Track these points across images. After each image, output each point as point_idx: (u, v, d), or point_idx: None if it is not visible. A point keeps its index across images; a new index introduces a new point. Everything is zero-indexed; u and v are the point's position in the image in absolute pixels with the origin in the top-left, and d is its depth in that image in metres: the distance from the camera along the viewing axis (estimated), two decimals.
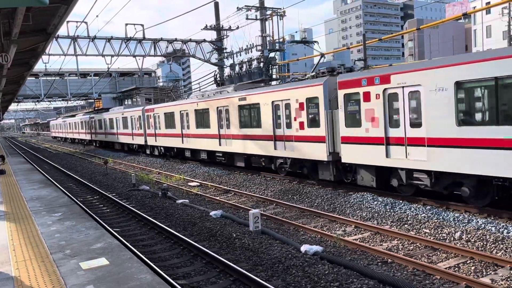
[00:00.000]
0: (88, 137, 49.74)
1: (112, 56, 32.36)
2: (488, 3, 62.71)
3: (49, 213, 11.02)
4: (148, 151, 32.43)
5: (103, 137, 42.99)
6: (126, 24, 31.82)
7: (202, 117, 22.95)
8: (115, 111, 39.23)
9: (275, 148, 17.38)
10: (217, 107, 21.17)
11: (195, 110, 23.54)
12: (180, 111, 25.45)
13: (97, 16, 22.42)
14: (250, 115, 18.93)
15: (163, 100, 40.26)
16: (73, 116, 65.45)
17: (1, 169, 21.29)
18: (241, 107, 19.44)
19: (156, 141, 29.68)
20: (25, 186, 16.27)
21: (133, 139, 34.11)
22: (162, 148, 29.74)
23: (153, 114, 29.55)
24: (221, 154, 22.00)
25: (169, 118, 27.15)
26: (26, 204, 12.45)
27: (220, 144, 21.46)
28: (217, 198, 15.90)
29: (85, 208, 14.21)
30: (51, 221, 10.04)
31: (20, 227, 9.59)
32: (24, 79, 25.15)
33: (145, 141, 31.55)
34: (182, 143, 25.61)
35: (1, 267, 6.98)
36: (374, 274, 7.58)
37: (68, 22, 30.05)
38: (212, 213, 12.83)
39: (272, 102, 17.25)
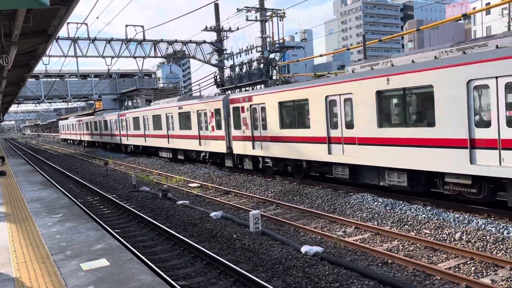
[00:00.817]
0: (116, 140, 39.66)
1: (112, 57, 32.40)
2: (488, 3, 62.78)
3: (49, 214, 11.03)
4: (230, 163, 21.70)
5: (142, 141, 32.83)
6: (126, 26, 31.86)
7: (396, 105, 12.51)
8: (160, 104, 29.56)
9: None
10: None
11: (379, 92, 12.71)
12: (328, 98, 14.73)
13: (97, 17, 22.44)
14: None
15: None
16: (91, 114, 53.61)
17: (2, 170, 21.31)
18: None
19: (254, 148, 19.15)
20: (26, 187, 16.28)
21: (200, 144, 23.83)
22: (268, 160, 18.80)
23: (251, 105, 19.09)
24: (469, 182, 10.73)
25: (292, 111, 16.69)
26: (27, 205, 12.46)
27: (473, 161, 10.38)
28: (218, 199, 15.90)
29: (86, 210, 14.22)
30: (51, 222, 10.05)
31: (20, 228, 9.60)
32: (24, 80, 25.22)
33: (229, 147, 21.32)
34: (329, 153, 14.90)
35: (2, 268, 6.99)
36: (374, 275, 7.59)
37: (68, 23, 30.08)
38: (213, 214, 12.84)
39: None
